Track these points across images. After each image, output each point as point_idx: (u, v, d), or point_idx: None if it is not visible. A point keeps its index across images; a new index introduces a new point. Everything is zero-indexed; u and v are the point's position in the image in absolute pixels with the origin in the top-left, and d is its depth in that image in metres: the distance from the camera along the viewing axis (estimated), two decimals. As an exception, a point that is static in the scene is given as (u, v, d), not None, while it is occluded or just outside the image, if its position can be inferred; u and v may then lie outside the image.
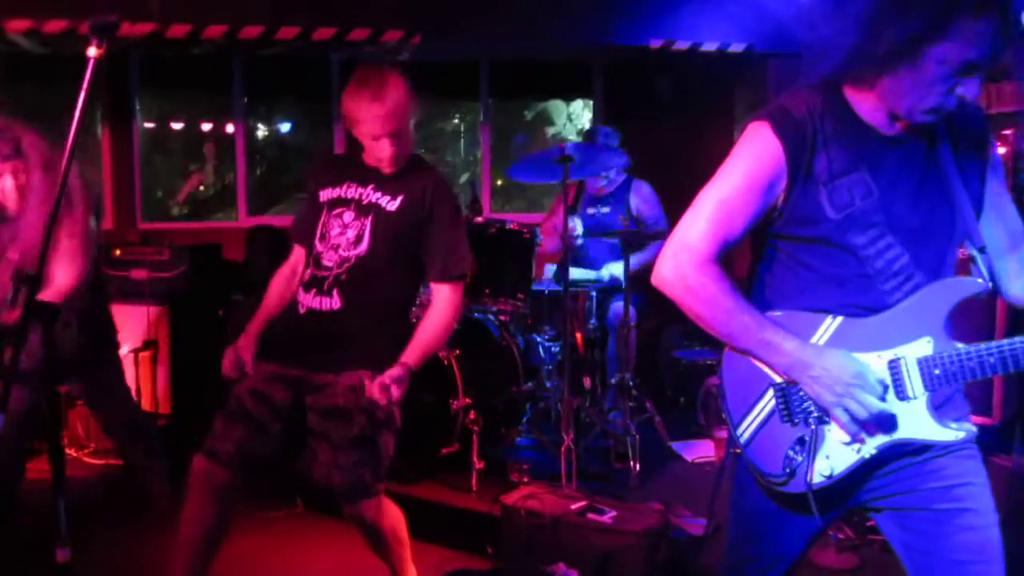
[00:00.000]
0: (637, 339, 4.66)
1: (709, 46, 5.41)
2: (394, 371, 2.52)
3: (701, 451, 4.49)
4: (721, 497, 3.20)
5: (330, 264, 2.65)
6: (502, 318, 4.50)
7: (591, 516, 3.10)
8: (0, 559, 3.02)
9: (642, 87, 6.42)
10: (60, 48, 5.35)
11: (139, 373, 4.96)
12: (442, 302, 2.70)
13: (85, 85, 1.84)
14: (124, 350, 5.00)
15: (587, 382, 4.74)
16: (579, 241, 4.60)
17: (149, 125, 7.01)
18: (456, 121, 9.69)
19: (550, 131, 9.36)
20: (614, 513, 3.11)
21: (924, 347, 1.68)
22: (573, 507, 3.15)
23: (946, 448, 1.72)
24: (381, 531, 2.72)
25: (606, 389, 4.72)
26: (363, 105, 2.58)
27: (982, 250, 1.73)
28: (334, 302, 2.63)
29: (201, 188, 7.54)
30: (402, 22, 5.03)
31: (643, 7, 5.34)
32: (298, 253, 2.85)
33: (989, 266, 1.74)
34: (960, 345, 1.67)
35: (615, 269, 4.82)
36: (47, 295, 3.10)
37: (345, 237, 2.66)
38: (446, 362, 4.03)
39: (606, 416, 4.50)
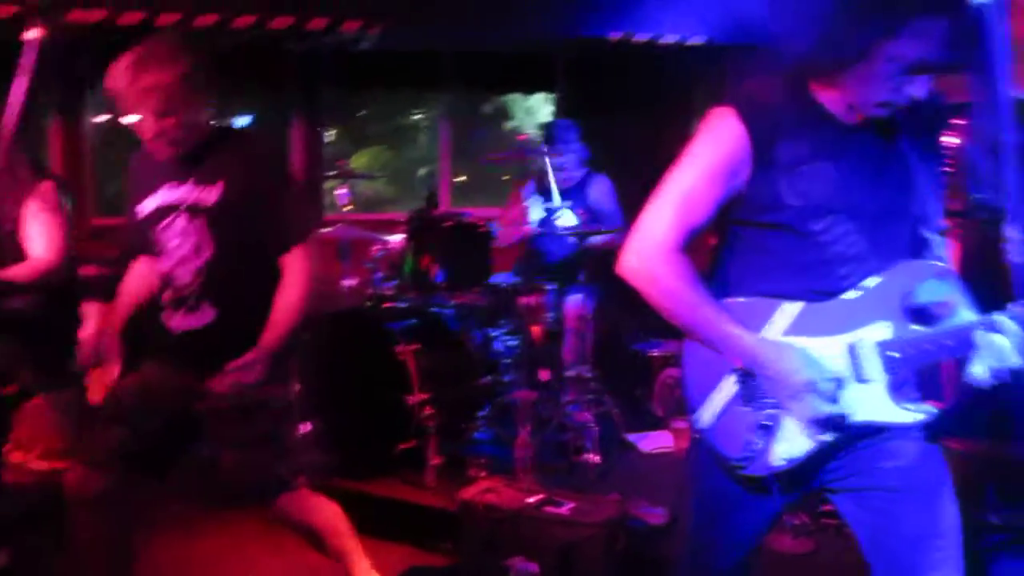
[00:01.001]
0: (595, 332, 4.64)
1: (669, 39, 5.41)
2: (247, 356, 2.41)
3: (658, 442, 4.50)
4: (687, 487, 3.20)
5: (185, 280, 2.51)
6: (459, 312, 4.46)
7: (549, 509, 3.08)
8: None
9: (603, 81, 6.40)
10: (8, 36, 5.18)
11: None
12: (291, 273, 2.49)
13: (27, 68, 1.76)
14: (72, 346, 4.87)
15: (545, 376, 4.71)
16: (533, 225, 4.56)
17: (102, 118, 6.84)
18: (417, 117, 9.64)
19: (508, 125, 9.35)
20: (572, 505, 3.09)
21: (883, 331, 1.69)
22: (531, 500, 3.13)
23: (904, 429, 1.73)
24: (315, 527, 2.66)
25: (563, 383, 4.69)
26: (119, 78, 2.38)
27: (942, 233, 1.75)
28: (205, 316, 2.51)
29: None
30: (361, 12, 4.95)
31: (604, -1, 5.33)
32: (141, 262, 2.71)
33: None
34: (918, 328, 1.68)
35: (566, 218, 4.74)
36: (19, 271, 3.02)
37: (187, 246, 2.49)
38: (402, 357, 3.99)
39: (564, 410, 4.48)
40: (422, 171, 8.27)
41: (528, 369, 4.13)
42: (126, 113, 2.44)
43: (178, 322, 2.54)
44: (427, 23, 5.34)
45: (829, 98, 1.74)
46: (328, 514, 2.70)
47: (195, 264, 2.49)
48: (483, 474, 3.83)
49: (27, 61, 1.81)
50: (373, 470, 3.98)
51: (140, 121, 2.43)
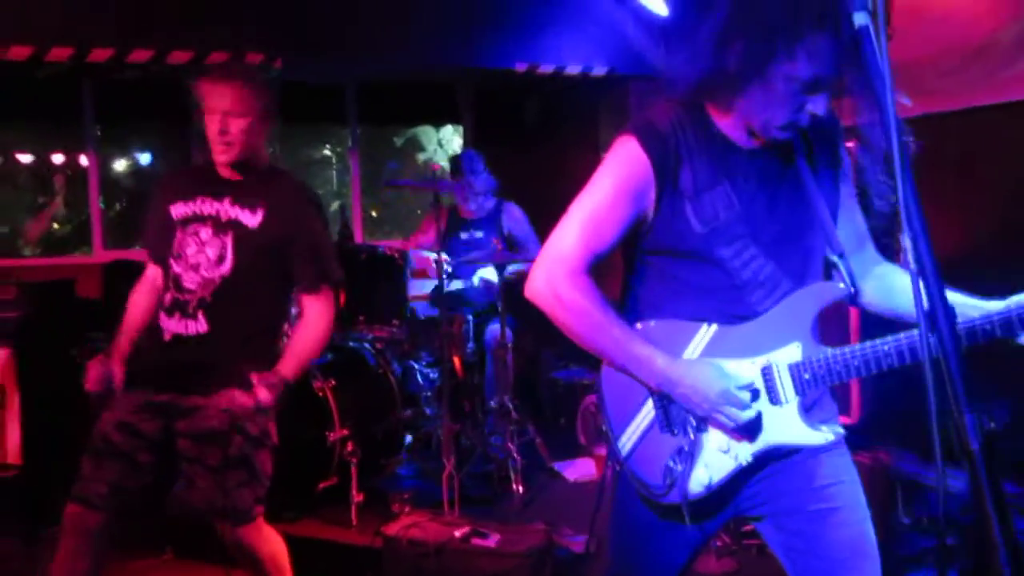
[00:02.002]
0: (515, 361, 4.66)
1: (572, 69, 5.50)
2: (269, 376, 2.45)
3: (582, 470, 4.52)
4: (603, 513, 3.22)
5: (192, 286, 2.54)
6: (378, 346, 4.41)
7: (475, 541, 3.06)
8: None
9: (510, 111, 6.48)
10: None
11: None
12: (315, 313, 2.62)
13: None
14: (-34, 397, 4.63)
15: (467, 407, 4.70)
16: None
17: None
18: (327, 152, 9.55)
19: (420, 157, 9.36)
20: (498, 536, 3.08)
21: (794, 352, 1.72)
22: (457, 533, 3.10)
23: (816, 449, 1.76)
24: (260, 559, 2.61)
25: (486, 413, 4.69)
26: (215, 90, 2.51)
27: (842, 256, 1.80)
28: (200, 325, 2.53)
29: (56, 226, 7.14)
30: (262, 45, 4.88)
31: (508, 31, 5.38)
32: (154, 270, 2.72)
33: (848, 270, 1.81)
34: (827, 348, 1.72)
35: (486, 273, 4.81)
36: None
37: (205, 256, 2.54)
38: (321, 393, 3.92)
39: (487, 440, 4.47)
40: (334, 205, 8.19)
41: (450, 401, 4.11)
42: (215, 125, 2.50)
43: (172, 324, 2.55)
44: (331, 56, 5.30)
45: (727, 123, 1.76)
46: (277, 548, 2.68)
47: (208, 274, 2.53)
48: (407, 509, 3.78)
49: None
50: (294, 510, 3.89)
51: (220, 135, 2.52)
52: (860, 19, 1.30)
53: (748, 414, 1.68)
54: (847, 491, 1.78)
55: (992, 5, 3.50)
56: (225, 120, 2.52)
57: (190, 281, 2.55)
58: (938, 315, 1.15)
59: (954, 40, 3.62)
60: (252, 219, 2.56)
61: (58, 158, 6.97)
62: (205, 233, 2.56)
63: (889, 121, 1.25)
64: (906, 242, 1.20)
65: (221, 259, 2.54)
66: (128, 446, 2.50)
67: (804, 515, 1.77)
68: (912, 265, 1.19)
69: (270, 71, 5.33)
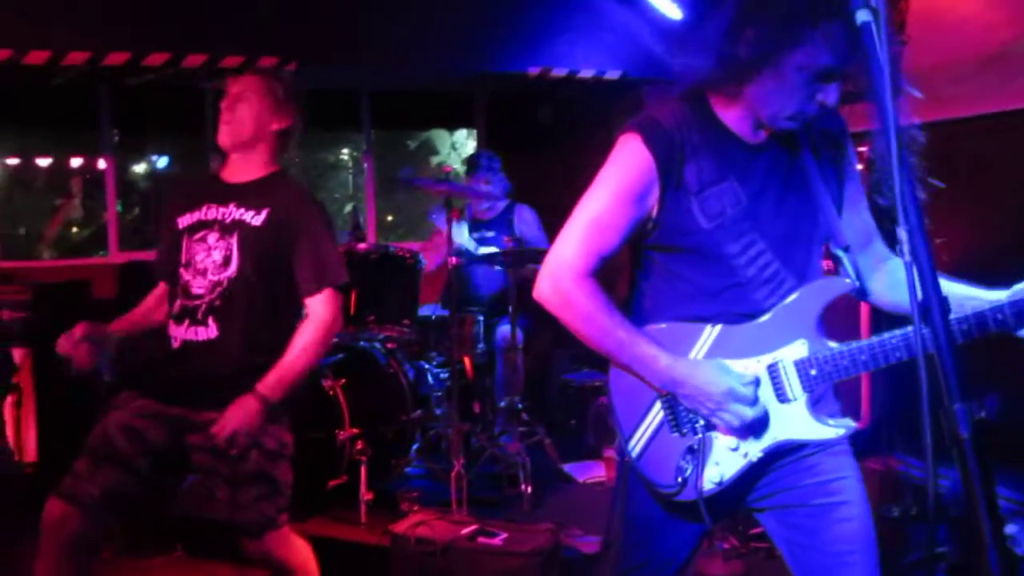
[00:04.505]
0: (526, 363, 4.66)
1: (586, 73, 5.51)
2: (239, 407, 2.38)
3: (592, 472, 4.51)
4: (616, 513, 3.22)
5: (200, 291, 2.52)
6: (389, 346, 4.43)
7: (482, 540, 3.07)
8: None
9: (523, 114, 6.49)
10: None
11: (1, 419, 4.64)
12: (312, 319, 2.55)
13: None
14: (-17, 395, 4.68)
15: (477, 407, 4.71)
16: (466, 247, 4.56)
17: (12, 161, 6.63)
18: (344, 156, 9.61)
19: (434, 160, 9.39)
20: (505, 535, 3.08)
21: (800, 349, 1.72)
22: (464, 532, 3.11)
23: (821, 445, 1.76)
24: (292, 567, 2.60)
25: (496, 414, 4.70)
26: (233, 81, 2.62)
27: (847, 249, 1.79)
28: (210, 331, 2.50)
29: (75, 230, 7.20)
30: (276, 49, 4.91)
31: (521, 35, 5.40)
32: (163, 288, 2.71)
33: (854, 264, 1.81)
34: (833, 344, 1.72)
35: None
36: None
37: (211, 260, 2.53)
38: (331, 392, 3.94)
39: (496, 441, 4.48)
40: (348, 208, 8.22)
41: (459, 401, 4.12)
42: (224, 106, 2.61)
43: (181, 332, 2.52)
44: (345, 62, 5.34)
45: (732, 117, 1.76)
46: (305, 555, 2.65)
47: (216, 277, 2.52)
48: (415, 508, 3.79)
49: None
50: (304, 508, 3.89)
51: (225, 113, 2.60)
52: (862, 16, 1.31)
53: (754, 411, 1.68)
54: (849, 486, 1.78)
55: (1008, 15, 3.50)
56: (232, 102, 2.59)
57: (198, 286, 2.53)
58: (932, 307, 1.15)
59: (970, 48, 3.61)
60: (256, 219, 2.55)
61: (76, 162, 7.03)
62: (212, 238, 2.56)
63: (887, 111, 1.25)
64: (902, 234, 1.20)
65: (227, 260, 2.52)
66: (128, 450, 2.44)
67: (807, 509, 1.78)
68: (907, 257, 1.19)
69: (287, 73, 5.35)
